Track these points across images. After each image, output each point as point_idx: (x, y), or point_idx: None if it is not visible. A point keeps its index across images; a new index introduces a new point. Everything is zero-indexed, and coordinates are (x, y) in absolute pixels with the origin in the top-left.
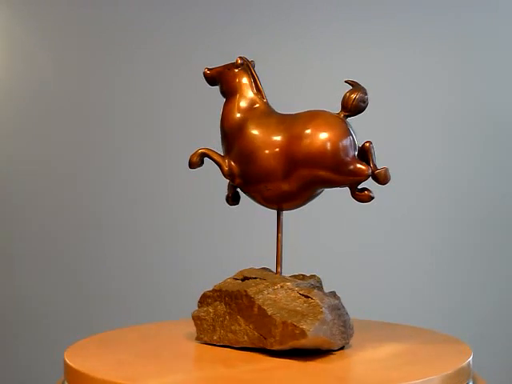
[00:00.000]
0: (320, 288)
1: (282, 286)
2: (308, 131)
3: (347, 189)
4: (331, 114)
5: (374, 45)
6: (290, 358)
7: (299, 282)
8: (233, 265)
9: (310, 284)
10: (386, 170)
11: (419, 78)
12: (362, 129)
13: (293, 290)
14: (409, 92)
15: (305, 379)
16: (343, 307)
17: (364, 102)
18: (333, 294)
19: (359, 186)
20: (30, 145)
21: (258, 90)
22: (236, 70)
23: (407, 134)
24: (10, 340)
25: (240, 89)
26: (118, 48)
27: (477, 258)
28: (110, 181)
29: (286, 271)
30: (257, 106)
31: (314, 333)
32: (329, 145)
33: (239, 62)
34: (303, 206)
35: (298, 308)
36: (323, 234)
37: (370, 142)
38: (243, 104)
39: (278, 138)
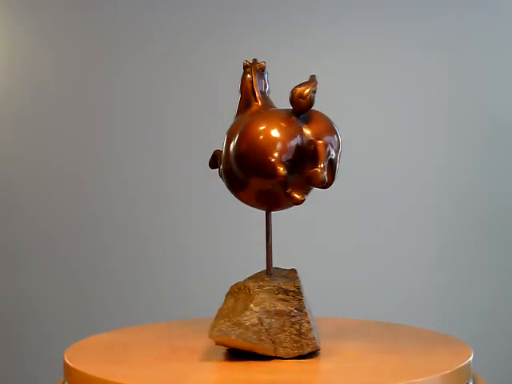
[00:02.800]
0: (288, 291)
1: (247, 286)
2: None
3: (347, 189)
4: (273, 112)
5: (374, 45)
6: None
7: (273, 284)
8: (233, 265)
9: (278, 286)
10: (318, 172)
11: (419, 78)
12: (362, 129)
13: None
14: (409, 92)
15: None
16: (305, 316)
17: (303, 98)
18: (297, 299)
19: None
20: (30, 145)
21: (253, 92)
22: (244, 73)
23: (407, 134)
24: (10, 340)
25: (243, 91)
26: (118, 48)
27: (477, 258)
28: (110, 181)
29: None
30: (251, 107)
31: (217, 333)
32: (248, 144)
33: (244, 64)
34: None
35: (238, 309)
36: (323, 233)
37: (323, 142)
38: (242, 106)
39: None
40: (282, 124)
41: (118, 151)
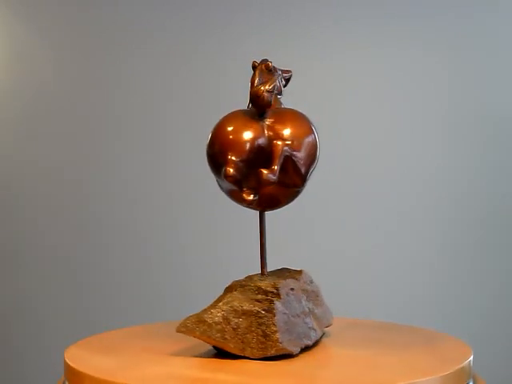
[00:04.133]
0: (267, 292)
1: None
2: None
3: (347, 189)
4: (240, 112)
5: (374, 45)
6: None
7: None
8: (233, 265)
9: (258, 287)
10: (262, 172)
11: (419, 77)
12: (362, 129)
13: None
14: (409, 92)
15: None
16: (272, 318)
17: (258, 97)
18: (269, 301)
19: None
20: (29, 145)
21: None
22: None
23: (407, 134)
24: (10, 340)
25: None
26: (118, 48)
27: (477, 258)
28: (110, 181)
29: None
30: (248, 108)
31: (183, 329)
32: (209, 143)
33: (252, 64)
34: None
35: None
36: (323, 233)
37: (280, 143)
38: (246, 107)
39: None
40: (243, 124)
41: (118, 151)
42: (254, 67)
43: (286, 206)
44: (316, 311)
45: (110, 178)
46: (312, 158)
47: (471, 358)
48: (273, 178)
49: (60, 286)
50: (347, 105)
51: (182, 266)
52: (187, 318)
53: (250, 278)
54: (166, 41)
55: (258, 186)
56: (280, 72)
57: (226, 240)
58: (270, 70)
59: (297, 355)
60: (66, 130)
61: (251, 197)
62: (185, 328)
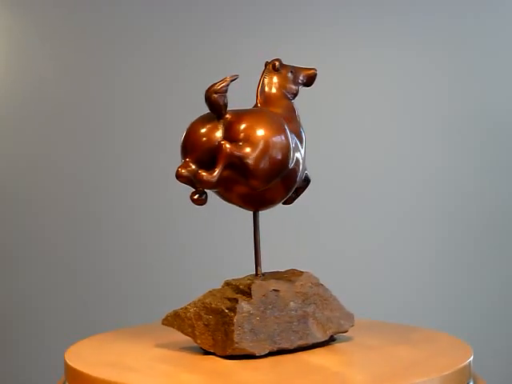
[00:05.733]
0: (244, 292)
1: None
2: None
3: (347, 189)
4: (207, 114)
5: (374, 45)
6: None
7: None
8: (233, 265)
9: (237, 286)
10: (198, 174)
11: (419, 77)
12: (362, 129)
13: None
14: (409, 92)
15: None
16: (233, 318)
17: (207, 98)
18: (235, 301)
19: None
20: (29, 145)
21: (256, 92)
22: None
23: (407, 134)
24: (10, 340)
25: None
26: (118, 48)
27: (477, 258)
28: (110, 181)
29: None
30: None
31: (165, 322)
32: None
33: (265, 64)
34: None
35: None
36: (323, 233)
37: (222, 146)
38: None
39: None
40: (201, 126)
41: (117, 151)
42: (265, 66)
43: (286, 207)
44: (319, 315)
45: (110, 178)
46: (271, 159)
47: (471, 358)
48: (210, 179)
49: (60, 286)
50: (347, 105)
51: (182, 266)
52: (169, 312)
53: (243, 277)
54: (165, 41)
55: (197, 186)
56: (292, 71)
57: (226, 240)
58: (277, 70)
59: (266, 356)
60: (65, 131)
61: (196, 196)
62: (166, 321)
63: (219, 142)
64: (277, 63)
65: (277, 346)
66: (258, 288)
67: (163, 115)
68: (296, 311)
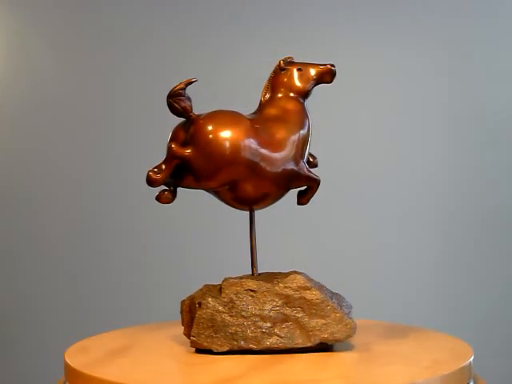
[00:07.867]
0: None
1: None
2: None
3: (347, 189)
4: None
5: (374, 45)
6: None
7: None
8: (233, 265)
9: (221, 285)
10: (148, 174)
11: (419, 77)
12: (362, 129)
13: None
14: (409, 92)
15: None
16: (195, 312)
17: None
18: (207, 296)
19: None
20: (29, 145)
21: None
22: None
23: (407, 134)
24: (10, 340)
25: None
26: (118, 48)
27: (477, 258)
28: (110, 181)
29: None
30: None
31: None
32: None
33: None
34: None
35: None
36: (323, 233)
37: (169, 147)
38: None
39: None
40: (178, 128)
41: (117, 151)
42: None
43: (285, 207)
44: (304, 320)
45: (110, 178)
46: (213, 157)
47: (471, 358)
48: (154, 178)
49: (60, 286)
50: (347, 105)
51: (182, 266)
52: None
53: (241, 277)
54: (165, 41)
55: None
56: (301, 68)
57: (225, 240)
58: (283, 69)
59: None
60: (65, 130)
61: (162, 198)
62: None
63: (168, 143)
64: (281, 62)
65: (238, 345)
66: (229, 286)
67: (163, 115)
68: (272, 313)
